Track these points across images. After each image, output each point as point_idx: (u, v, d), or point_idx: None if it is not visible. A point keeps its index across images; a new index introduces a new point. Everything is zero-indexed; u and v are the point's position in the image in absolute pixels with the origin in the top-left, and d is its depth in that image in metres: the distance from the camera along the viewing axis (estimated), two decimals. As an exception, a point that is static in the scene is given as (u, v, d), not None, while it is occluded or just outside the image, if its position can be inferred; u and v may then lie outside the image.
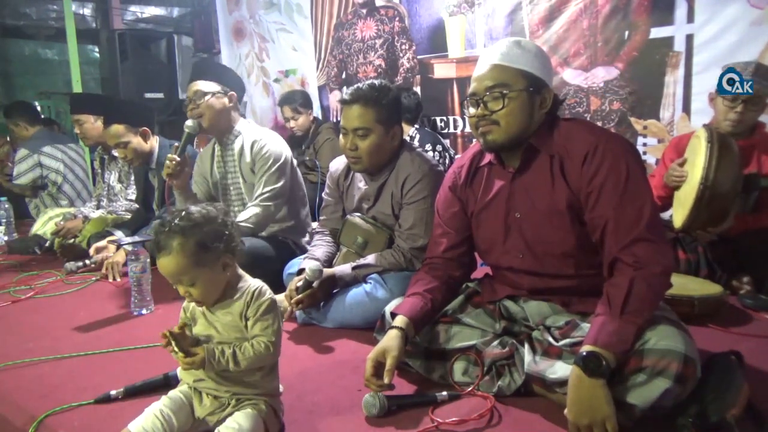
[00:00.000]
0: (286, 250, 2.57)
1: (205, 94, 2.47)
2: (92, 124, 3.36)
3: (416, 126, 3.69)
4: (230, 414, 1.29)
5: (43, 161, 3.91)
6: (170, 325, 1.28)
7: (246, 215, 2.45)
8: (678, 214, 2.29)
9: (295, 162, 2.69)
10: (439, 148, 3.57)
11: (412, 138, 3.60)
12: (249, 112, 5.05)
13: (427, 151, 3.44)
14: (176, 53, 5.73)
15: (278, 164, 2.51)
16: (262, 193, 2.48)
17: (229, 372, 1.28)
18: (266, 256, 2.43)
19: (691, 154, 2.28)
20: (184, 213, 1.27)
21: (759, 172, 2.33)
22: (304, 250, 2.60)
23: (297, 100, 4.14)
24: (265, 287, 1.34)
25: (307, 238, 2.73)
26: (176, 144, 2.49)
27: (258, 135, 2.56)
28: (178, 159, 2.42)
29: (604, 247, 1.41)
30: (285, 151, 2.58)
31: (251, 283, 1.34)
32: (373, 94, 2.02)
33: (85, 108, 3.37)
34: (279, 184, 2.50)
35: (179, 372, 1.42)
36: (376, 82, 2.08)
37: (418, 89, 4.12)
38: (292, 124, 4.16)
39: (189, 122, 2.48)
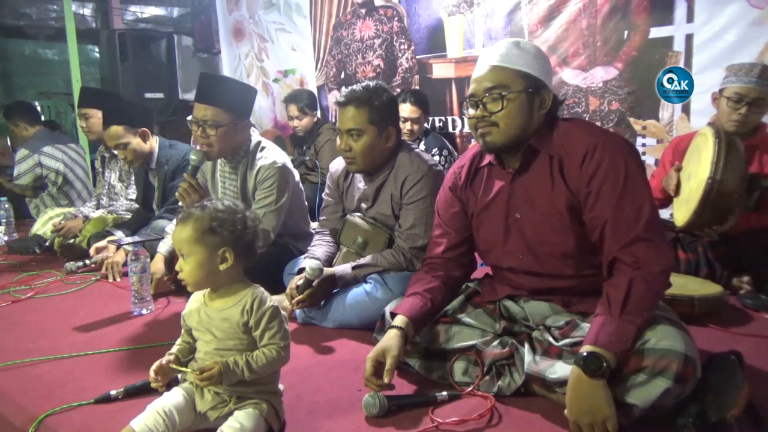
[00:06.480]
0: (287, 254, 2.55)
1: (218, 126, 2.26)
2: (98, 119, 3.27)
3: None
4: (231, 411, 1.30)
5: (44, 161, 3.91)
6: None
7: None
8: (681, 212, 2.28)
9: (297, 176, 2.55)
10: (445, 152, 3.56)
11: (419, 140, 3.59)
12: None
13: (433, 155, 3.43)
14: (176, 53, 5.73)
15: (279, 204, 2.36)
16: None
17: (245, 381, 1.29)
18: (267, 259, 2.41)
19: (695, 151, 2.28)
20: (214, 200, 1.36)
21: (761, 172, 2.33)
22: (304, 252, 2.59)
23: (303, 100, 4.13)
24: (265, 294, 1.34)
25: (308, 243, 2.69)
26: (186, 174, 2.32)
27: (266, 162, 2.36)
28: (196, 187, 2.27)
29: (603, 247, 1.42)
30: (289, 181, 2.42)
31: (250, 290, 1.33)
32: (365, 95, 2.03)
33: (93, 102, 3.35)
34: (275, 222, 2.38)
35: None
36: (371, 83, 2.08)
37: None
38: (295, 123, 4.15)
39: (193, 155, 2.31)
